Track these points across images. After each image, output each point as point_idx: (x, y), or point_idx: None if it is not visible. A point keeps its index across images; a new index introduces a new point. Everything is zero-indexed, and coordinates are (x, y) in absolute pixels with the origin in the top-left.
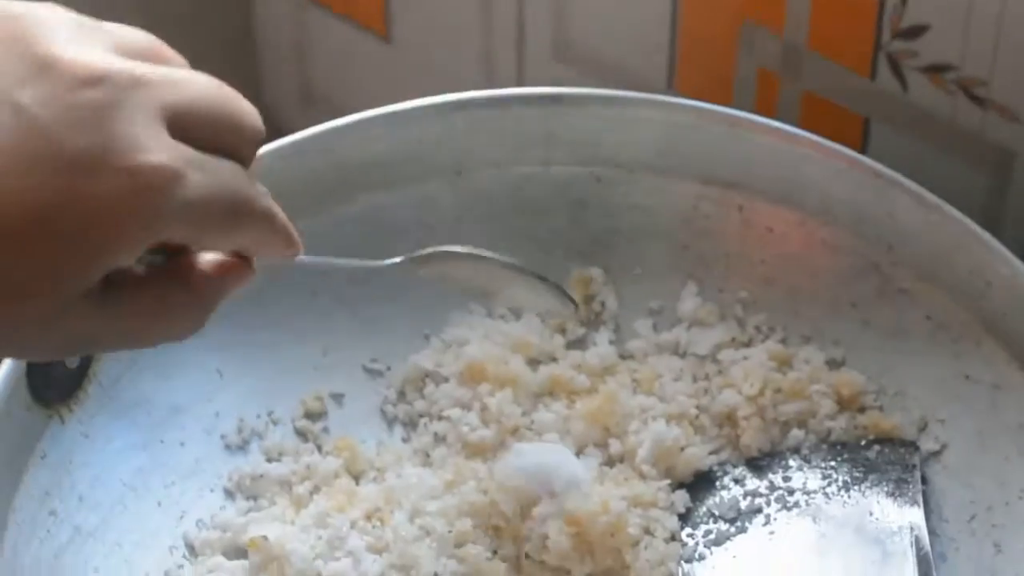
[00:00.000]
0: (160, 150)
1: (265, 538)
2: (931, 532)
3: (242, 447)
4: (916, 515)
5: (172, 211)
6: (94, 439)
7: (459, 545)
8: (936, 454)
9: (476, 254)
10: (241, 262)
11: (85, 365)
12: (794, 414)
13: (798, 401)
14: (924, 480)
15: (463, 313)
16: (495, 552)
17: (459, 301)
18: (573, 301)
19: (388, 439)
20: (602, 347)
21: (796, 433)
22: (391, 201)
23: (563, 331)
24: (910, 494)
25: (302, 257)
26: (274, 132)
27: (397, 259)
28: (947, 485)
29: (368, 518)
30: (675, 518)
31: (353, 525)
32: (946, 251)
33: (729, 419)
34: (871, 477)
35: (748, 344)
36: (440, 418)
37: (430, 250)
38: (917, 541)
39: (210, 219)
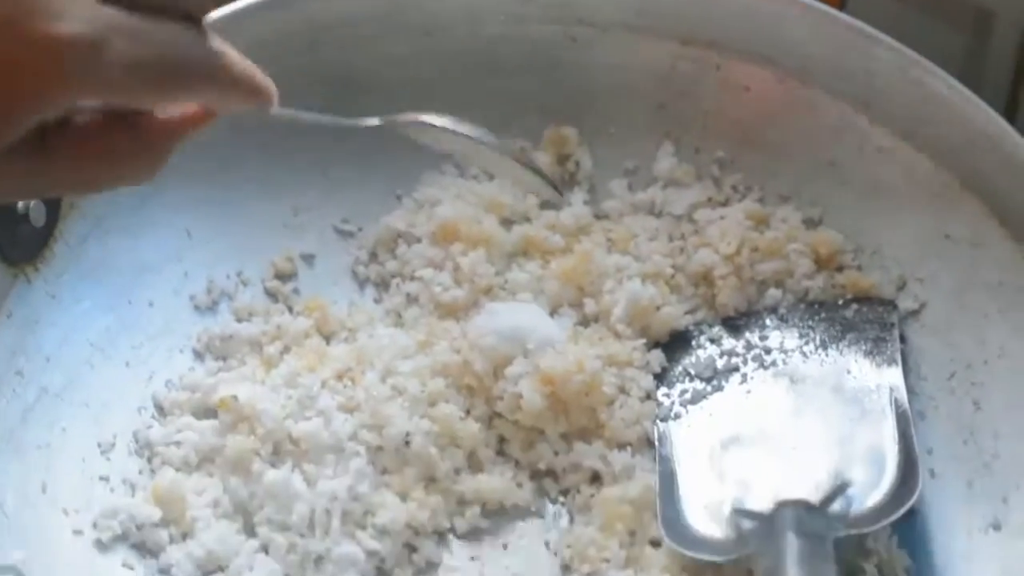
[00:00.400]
0: (77, 18)
1: (235, 398)
2: (910, 391)
3: (211, 308)
4: (894, 374)
5: (87, 79)
6: (61, 299)
7: (432, 404)
8: (915, 313)
9: (458, 131)
10: (198, 110)
11: (51, 224)
12: (771, 273)
13: (775, 260)
14: (903, 339)
15: (436, 173)
16: (468, 411)
17: (432, 161)
18: (557, 189)
19: (359, 300)
20: (576, 207)
21: (773, 292)
22: (360, 61)
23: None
24: (888, 352)
25: (278, 109)
26: None
27: (376, 120)
28: (926, 344)
29: (339, 378)
30: (650, 377)
31: (324, 385)
32: (925, 108)
33: (705, 278)
34: (849, 336)
35: (725, 204)
36: (412, 278)
37: (410, 117)
38: (895, 400)
39: (139, 84)
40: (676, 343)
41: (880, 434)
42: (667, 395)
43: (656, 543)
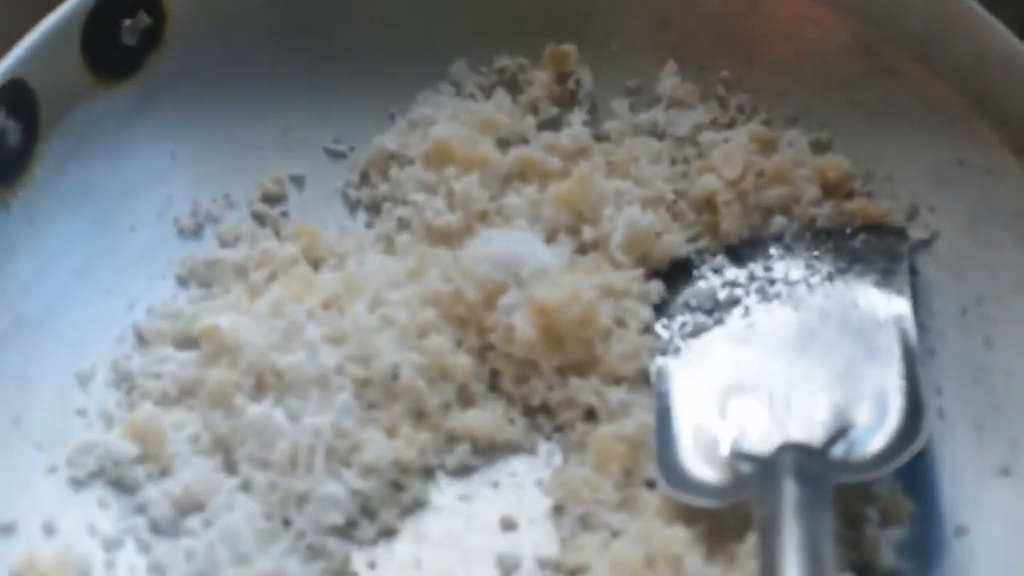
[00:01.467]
0: None
1: (217, 327)
2: (919, 326)
3: (196, 232)
4: (903, 307)
5: None
6: (39, 224)
7: (421, 335)
8: (926, 243)
9: None
10: None
11: (28, 145)
12: (776, 199)
13: (781, 186)
14: (913, 271)
15: (431, 92)
16: (459, 343)
17: (428, 78)
18: None
19: (350, 224)
20: (576, 128)
21: (779, 220)
22: None
23: (535, 111)
24: (897, 285)
25: None
26: None
27: None
28: (937, 276)
29: (326, 307)
30: (649, 309)
31: (310, 315)
32: (939, 28)
33: (708, 204)
34: (856, 267)
35: (730, 126)
36: (405, 202)
37: None
38: (903, 335)
39: None
40: (676, 273)
41: (886, 373)
42: (666, 328)
43: (652, 484)
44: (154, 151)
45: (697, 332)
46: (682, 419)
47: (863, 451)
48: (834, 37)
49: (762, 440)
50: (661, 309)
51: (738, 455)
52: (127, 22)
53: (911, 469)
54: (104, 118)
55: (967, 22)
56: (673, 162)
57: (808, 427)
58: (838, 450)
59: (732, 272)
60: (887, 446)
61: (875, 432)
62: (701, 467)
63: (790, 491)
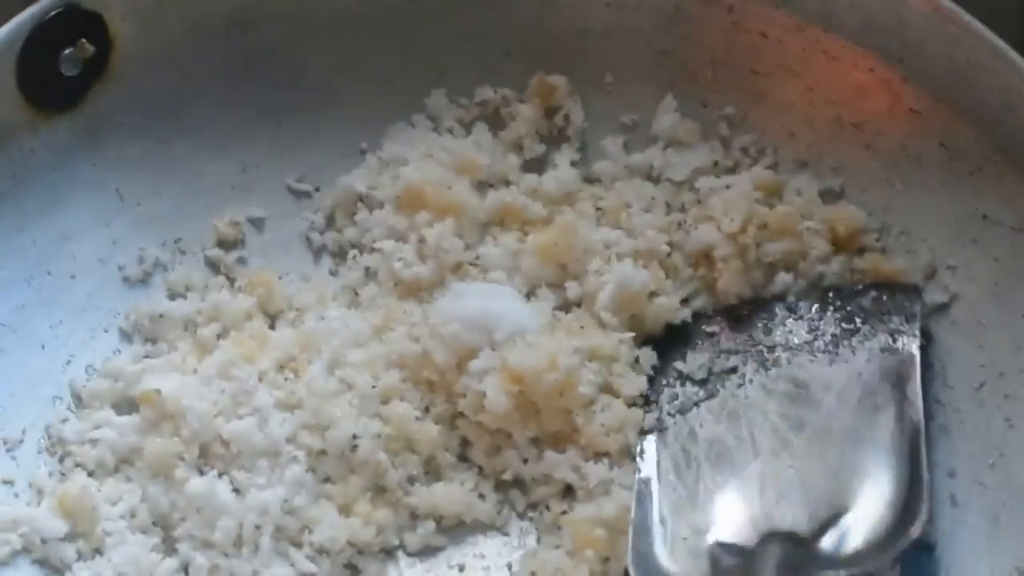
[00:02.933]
0: None
1: (158, 392)
2: (933, 400)
3: (143, 281)
4: (911, 378)
5: None
6: None
7: (384, 402)
8: (944, 307)
9: None
10: None
11: None
12: (780, 255)
13: (786, 240)
14: (928, 337)
15: (404, 125)
16: (426, 410)
17: (401, 111)
18: None
19: (313, 271)
20: (563, 169)
21: (783, 278)
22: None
23: (519, 148)
24: (906, 351)
25: None
26: None
27: None
28: (955, 344)
29: (280, 368)
30: (639, 378)
31: (262, 377)
32: (965, 68)
33: (706, 258)
34: (864, 329)
35: (733, 169)
36: (372, 250)
37: None
38: (909, 411)
39: None
40: (670, 338)
41: (886, 454)
42: (654, 401)
43: None
44: (98, 190)
45: (687, 407)
46: (664, 504)
47: (856, 542)
48: (850, 73)
49: (746, 529)
50: (650, 378)
51: (721, 546)
52: (68, 51)
53: (917, 564)
54: (42, 154)
55: (994, 63)
56: (669, 209)
57: (797, 514)
58: (828, 540)
59: (729, 337)
60: (882, 536)
61: (870, 520)
62: (680, 560)
63: None
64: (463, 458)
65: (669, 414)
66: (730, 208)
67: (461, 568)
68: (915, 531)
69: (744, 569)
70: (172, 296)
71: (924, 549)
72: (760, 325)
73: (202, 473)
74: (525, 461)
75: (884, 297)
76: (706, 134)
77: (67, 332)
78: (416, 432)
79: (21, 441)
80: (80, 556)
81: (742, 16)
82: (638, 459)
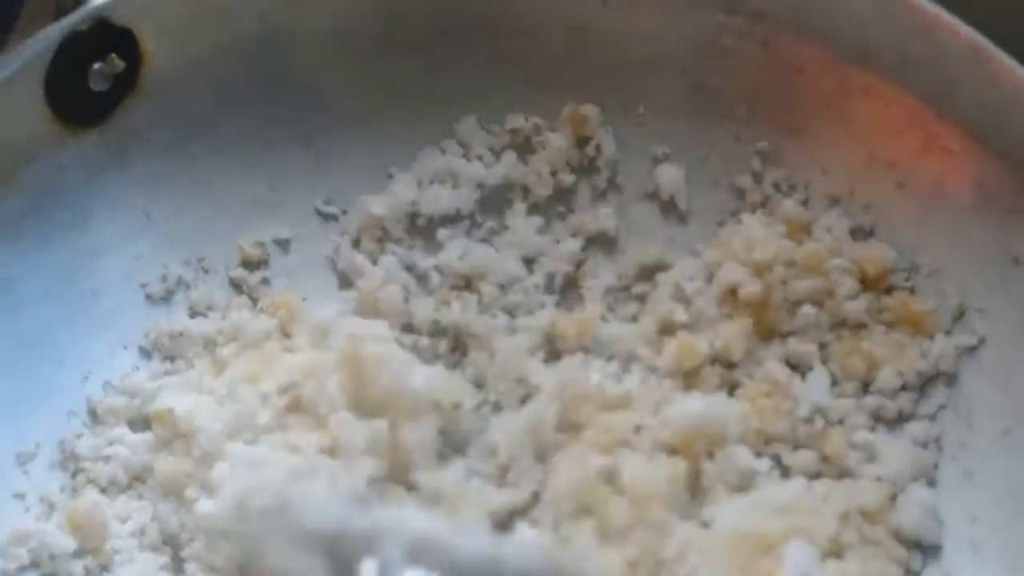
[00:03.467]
0: None
1: (171, 411)
2: (957, 444)
3: (165, 298)
4: None
5: None
6: None
7: None
8: (972, 350)
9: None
10: None
11: None
12: (807, 293)
13: (813, 278)
14: (953, 381)
15: (434, 150)
16: None
17: (431, 135)
18: None
19: (337, 295)
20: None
21: (806, 311)
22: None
23: (553, 174)
24: None
25: None
26: None
27: None
28: (981, 389)
29: (282, 393)
30: None
31: (264, 400)
32: (1001, 108)
33: (732, 297)
34: None
35: (763, 204)
36: None
37: None
38: None
39: None
40: None
41: None
42: None
43: None
44: (124, 207)
45: None
46: None
47: None
48: (885, 111)
49: None
50: None
51: None
52: (97, 65)
53: None
54: (69, 169)
55: None
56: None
57: None
58: None
59: None
60: None
61: None
62: None
63: None
64: None
65: None
66: (756, 245)
67: None
68: None
69: None
70: (193, 315)
71: None
72: None
73: (212, 495)
74: None
75: None
76: (740, 168)
77: (87, 348)
78: None
79: (35, 455)
80: (88, 573)
81: (778, 50)
82: None
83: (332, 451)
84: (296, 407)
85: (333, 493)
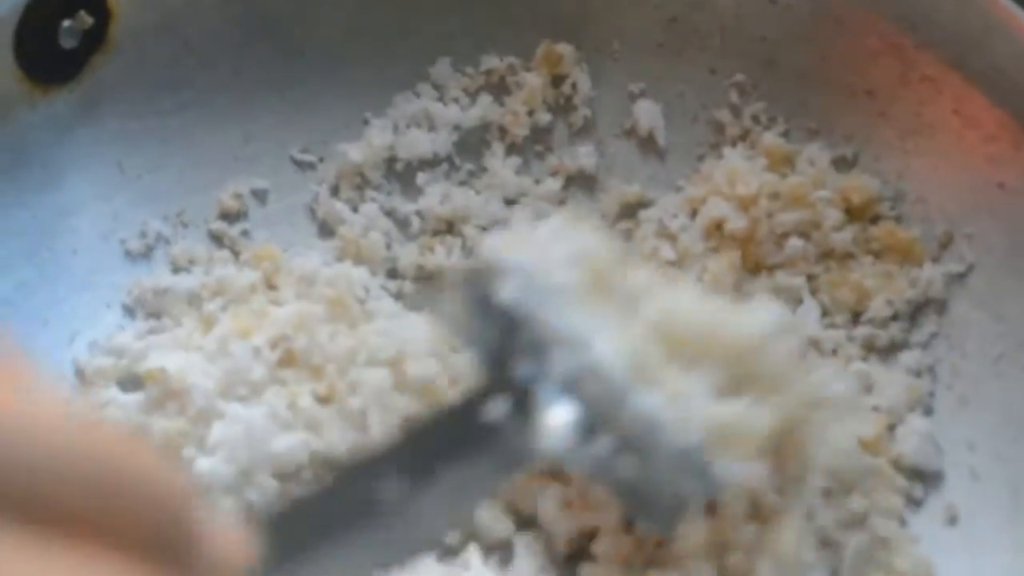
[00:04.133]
0: None
1: (163, 370)
2: (951, 371)
3: (145, 255)
4: None
5: None
6: None
7: None
8: (960, 277)
9: None
10: None
11: None
12: (794, 225)
13: (799, 210)
14: (944, 309)
15: (409, 95)
16: None
17: (405, 79)
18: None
19: (318, 244)
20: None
21: (794, 243)
22: None
23: (530, 114)
24: None
25: None
26: None
27: None
28: (972, 315)
29: (274, 346)
30: None
31: (257, 355)
32: (979, 34)
33: (717, 232)
34: None
35: (743, 137)
36: None
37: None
38: None
39: None
40: None
41: None
42: None
43: None
44: (98, 164)
45: None
46: None
47: None
48: (863, 40)
49: None
50: None
51: None
52: (66, 23)
53: (938, 538)
54: (41, 128)
55: (1010, 28)
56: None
57: None
58: None
59: None
60: None
61: None
62: None
63: None
64: None
65: None
66: (740, 179)
67: None
68: None
69: None
70: (175, 270)
71: (945, 524)
72: None
73: (210, 455)
74: None
75: None
76: (717, 102)
77: (70, 309)
78: None
79: None
80: None
81: None
82: None
83: (328, 400)
84: (289, 361)
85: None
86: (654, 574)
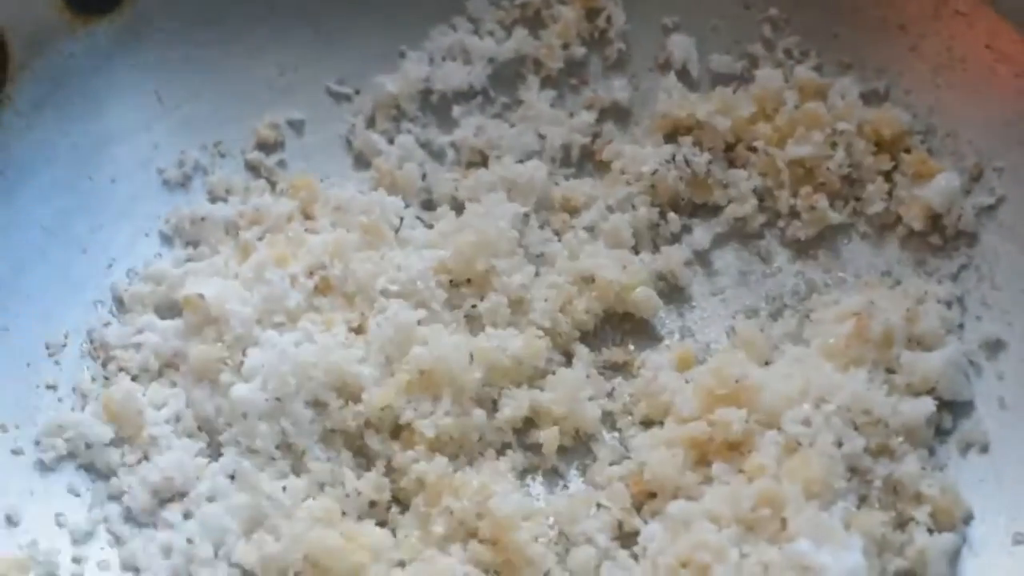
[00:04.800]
0: None
1: (201, 297)
2: (980, 302)
3: (183, 184)
4: None
5: None
6: (8, 176)
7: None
8: (990, 209)
9: None
10: None
11: None
12: (816, 149)
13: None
14: (974, 241)
15: (445, 27)
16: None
17: (440, 12)
18: None
19: (353, 174)
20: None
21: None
22: None
23: (565, 47)
24: None
25: None
26: None
27: None
28: (1001, 247)
29: (310, 274)
30: None
31: (294, 282)
32: None
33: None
34: None
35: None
36: None
37: None
38: None
39: None
40: None
41: None
42: None
43: None
44: (137, 94)
45: None
46: None
47: None
48: None
49: None
50: None
51: None
52: None
53: (968, 465)
54: (82, 58)
55: None
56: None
57: None
58: None
59: None
60: None
61: None
62: None
63: None
64: None
65: None
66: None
67: None
68: None
69: None
70: (213, 199)
71: (975, 452)
72: None
73: (248, 379)
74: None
75: None
76: (750, 36)
77: (108, 236)
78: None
79: (64, 345)
80: (125, 461)
81: None
82: None
83: (361, 331)
84: (325, 288)
85: None
86: None
